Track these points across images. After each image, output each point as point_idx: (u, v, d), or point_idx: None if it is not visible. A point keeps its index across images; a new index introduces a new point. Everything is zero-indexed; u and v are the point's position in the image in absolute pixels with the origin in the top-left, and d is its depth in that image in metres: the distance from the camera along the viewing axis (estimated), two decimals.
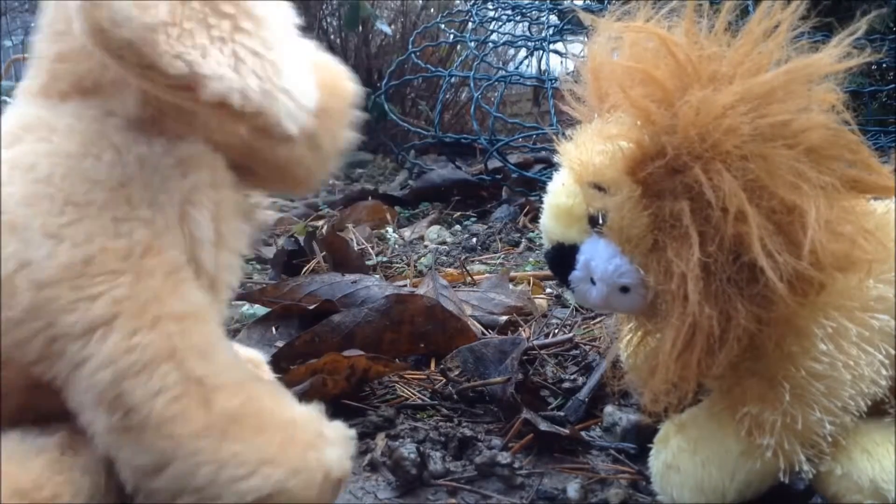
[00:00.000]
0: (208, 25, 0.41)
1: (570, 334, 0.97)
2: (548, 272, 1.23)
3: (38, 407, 0.47)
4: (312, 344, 0.85)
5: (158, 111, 0.48)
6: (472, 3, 2.60)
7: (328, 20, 3.33)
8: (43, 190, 0.44)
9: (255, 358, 0.65)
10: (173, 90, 0.42)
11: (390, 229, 1.71)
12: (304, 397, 0.51)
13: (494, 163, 2.01)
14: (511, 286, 1.20)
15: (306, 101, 0.45)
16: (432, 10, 3.38)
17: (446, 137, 2.30)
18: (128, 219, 0.45)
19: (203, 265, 0.48)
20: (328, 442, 0.48)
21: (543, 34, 2.14)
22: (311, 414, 0.50)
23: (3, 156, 0.45)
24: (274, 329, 0.96)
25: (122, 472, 0.45)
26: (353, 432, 0.51)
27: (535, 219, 1.64)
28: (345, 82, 0.54)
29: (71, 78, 0.48)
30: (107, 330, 0.43)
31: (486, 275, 1.29)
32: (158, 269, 0.45)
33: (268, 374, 0.66)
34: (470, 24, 2.54)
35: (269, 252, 1.48)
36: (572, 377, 0.85)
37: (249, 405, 0.46)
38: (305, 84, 0.46)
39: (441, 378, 0.85)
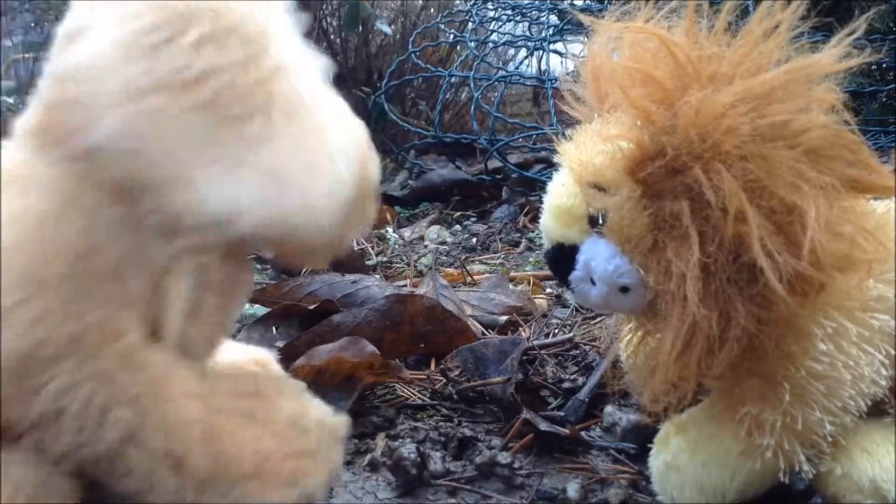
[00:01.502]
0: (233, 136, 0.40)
1: (570, 334, 0.97)
2: (548, 272, 1.23)
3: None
4: (313, 344, 0.85)
5: None
6: (472, 3, 2.60)
7: (328, 20, 3.33)
8: (3, 262, 0.40)
9: (261, 358, 0.64)
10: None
11: (390, 229, 1.71)
12: None
13: (494, 163, 2.01)
14: (511, 286, 1.20)
15: (342, 195, 0.44)
16: (432, 10, 3.37)
17: (446, 137, 2.29)
18: (85, 295, 0.41)
19: (168, 338, 0.45)
20: (312, 459, 0.48)
21: (543, 34, 2.14)
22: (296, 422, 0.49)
23: None
24: (274, 329, 0.96)
25: None
26: (345, 419, 0.51)
27: (535, 219, 1.64)
28: (371, 152, 0.52)
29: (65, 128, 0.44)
30: (56, 426, 0.41)
31: (486, 275, 1.29)
32: (109, 348, 0.42)
33: (276, 369, 0.65)
34: (470, 24, 2.53)
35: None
36: (572, 377, 0.85)
37: (223, 450, 0.45)
38: (342, 173, 0.44)
39: (441, 378, 0.85)
